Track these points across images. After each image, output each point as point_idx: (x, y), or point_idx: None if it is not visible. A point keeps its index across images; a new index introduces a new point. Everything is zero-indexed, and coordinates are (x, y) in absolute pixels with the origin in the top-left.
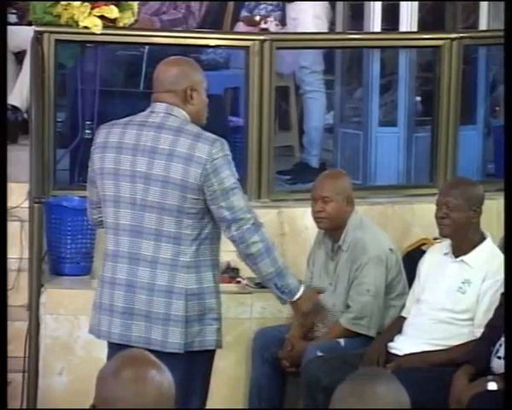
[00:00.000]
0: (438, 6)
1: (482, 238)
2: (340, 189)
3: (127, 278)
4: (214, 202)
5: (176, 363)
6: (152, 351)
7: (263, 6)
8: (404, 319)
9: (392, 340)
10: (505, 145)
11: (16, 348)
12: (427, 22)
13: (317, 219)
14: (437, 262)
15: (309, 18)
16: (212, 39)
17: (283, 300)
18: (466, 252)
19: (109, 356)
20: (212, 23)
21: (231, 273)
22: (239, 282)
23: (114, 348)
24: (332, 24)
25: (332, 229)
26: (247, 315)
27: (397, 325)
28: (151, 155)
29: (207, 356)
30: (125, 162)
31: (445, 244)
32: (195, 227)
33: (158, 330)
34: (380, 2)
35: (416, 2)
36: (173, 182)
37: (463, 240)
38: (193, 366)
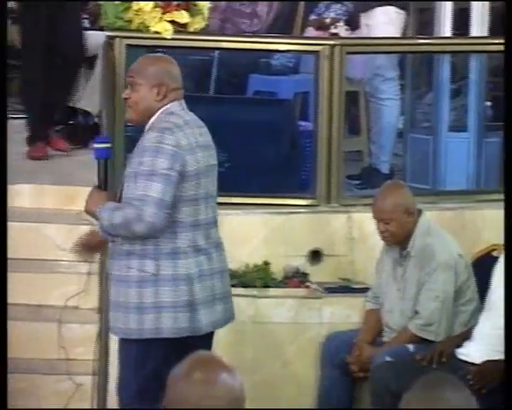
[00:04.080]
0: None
1: None
2: (397, 205)
3: (211, 267)
4: None
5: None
6: None
7: (332, 10)
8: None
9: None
10: (505, 150)
11: (86, 351)
12: (498, 27)
13: (382, 237)
14: None
15: (381, 24)
16: (282, 44)
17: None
18: None
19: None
20: (282, 28)
21: (300, 278)
22: (308, 287)
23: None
24: (405, 29)
25: (399, 243)
26: (316, 320)
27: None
28: (208, 149)
29: None
30: (201, 160)
31: None
32: None
33: (230, 304)
34: (450, 8)
35: (487, 7)
36: (216, 169)
37: None
38: None
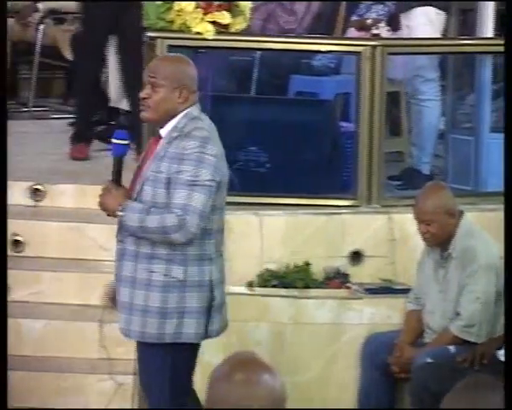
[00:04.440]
0: None
1: None
2: (439, 206)
3: (222, 274)
4: None
5: None
6: None
7: (374, 11)
8: None
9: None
10: (505, 150)
11: (127, 351)
12: None
13: (423, 238)
14: None
15: (421, 25)
16: (323, 45)
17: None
18: None
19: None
20: (324, 29)
21: (341, 279)
22: (349, 287)
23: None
24: (445, 30)
25: (440, 244)
26: (356, 321)
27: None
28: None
29: None
30: (225, 168)
31: None
32: None
33: None
34: (492, 8)
35: None
36: None
37: None
38: None
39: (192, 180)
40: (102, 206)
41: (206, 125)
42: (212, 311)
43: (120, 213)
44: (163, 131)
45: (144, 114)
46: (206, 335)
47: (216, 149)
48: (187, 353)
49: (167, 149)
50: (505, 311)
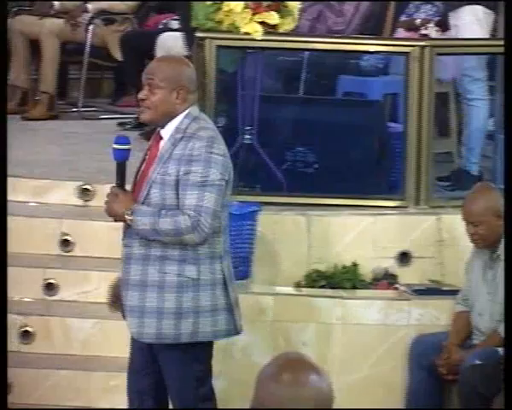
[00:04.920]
0: None
1: None
2: (487, 208)
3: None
4: None
5: None
6: None
7: (422, 11)
8: None
9: None
10: (505, 149)
11: None
12: None
13: (471, 240)
14: None
15: (469, 24)
16: (371, 45)
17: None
18: None
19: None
20: (372, 29)
21: (389, 280)
22: (396, 288)
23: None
24: (494, 30)
25: (488, 246)
26: (404, 322)
27: None
28: None
29: None
30: (231, 166)
31: None
32: None
33: None
34: None
35: None
36: None
37: None
38: None
39: (202, 181)
40: (110, 211)
41: (210, 125)
42: (227, 309)
43: (130, 218)
44: (164, 132)
45: (143, 116)
46: (230, 332)
47: (222, 147)
48: (202, 353)
49: (172, 150)
50: (505, 310)
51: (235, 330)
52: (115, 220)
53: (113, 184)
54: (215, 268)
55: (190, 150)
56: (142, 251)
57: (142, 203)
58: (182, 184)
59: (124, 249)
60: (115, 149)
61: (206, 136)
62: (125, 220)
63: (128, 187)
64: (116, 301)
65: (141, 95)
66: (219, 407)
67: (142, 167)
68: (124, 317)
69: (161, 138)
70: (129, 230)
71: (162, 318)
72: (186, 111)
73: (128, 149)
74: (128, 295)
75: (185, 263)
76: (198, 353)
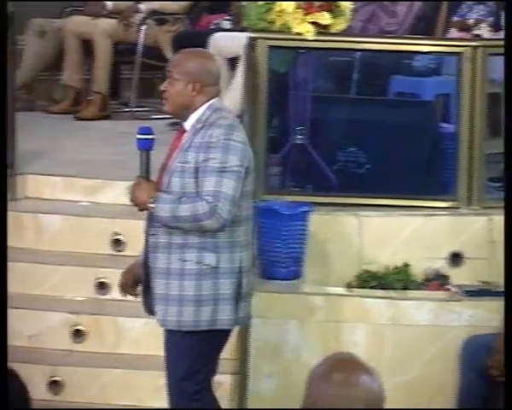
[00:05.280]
0: None
1: None
2: None
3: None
4: None
5: None
6: None
7: (475, 11)
8: None
9: None
10: (505, 150)
11: (227, 351)
12: None
13: None
14: None
15: None
16: (424, 45)
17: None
18: None
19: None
20: (424, 29)
21: (441, 281)
22: (448, 289)
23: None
24: None
25: None
26: (455, 323)
27: None
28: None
29: None
30: (251, 155)
31: None
32: None
33: None
34: None
35: None
36: None
37: None
38: None
39: (221, 167)
40: (134, 200)
41: (231, 116)
42: (240, 298)
43: (152, 206)
44: (187, 125)
45: (164, 107)
46: (237, 322)
47: (241, 135)
48: (218, 341)
49: (192, 139)
50: (505, 310)
51: (243, 320)
52: (140, 210)
53: (138, 175)
54: (234, 257)
55: (209, 138)
56: (166, 239)
57: (164, 192)
58: (201, 171)
59: (150, 239)
60: (138, 139)
61: (225, 123)
62: (148, 209)
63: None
64: (127, 286)
65: (162, 86)
66: (270, 407)
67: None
68: (145, 308)
69: (185, 131)
70: (154, 219)
71: (183, 305)
72: (208, 103)
73: (151, 139)
74: (156, 283)
75: (204, 251)
76: (213, 341)
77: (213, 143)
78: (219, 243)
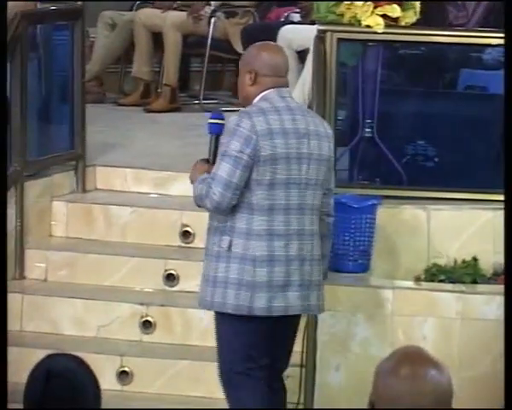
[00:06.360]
0: None
1: None
2: None
3: (287, 254)
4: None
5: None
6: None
7: None
8: None
9: None
10: (505, 148)
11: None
12: None
13: None
14: None
15: None
16: (493, 38)
17: None
18: None
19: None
20: (494, 22)
21: None
22: None
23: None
24: None
25: None
26: None
27: None
28: (298, 136)
29: None
30: (280, 146)
31: None
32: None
33: (315, 295)
34: None
35: None
36: (324, 158)
37: None
38: None
39: (224, 151)
40: (190, 178)
41: (270, 106)
42: (254, 287)
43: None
44: None
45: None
46: (250, 309)
47: (252, 123)
48: (254, 327)
49: None
50: (505, 312)
51: (259, 310)
52: None
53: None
54: (249, 244)
55: (228, 123)
56: (211, 222)
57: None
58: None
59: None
60: (210, 123)
61: (244, 111)
62: None
63: None
64: None
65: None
66: (339, 400)
67: None
68: None
69: None
70: None
71: (207, 286)
72: (262, 94)
73: (222, 124)
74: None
75: (223, 234)
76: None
77: (227, 129)
78: (235, 228)
